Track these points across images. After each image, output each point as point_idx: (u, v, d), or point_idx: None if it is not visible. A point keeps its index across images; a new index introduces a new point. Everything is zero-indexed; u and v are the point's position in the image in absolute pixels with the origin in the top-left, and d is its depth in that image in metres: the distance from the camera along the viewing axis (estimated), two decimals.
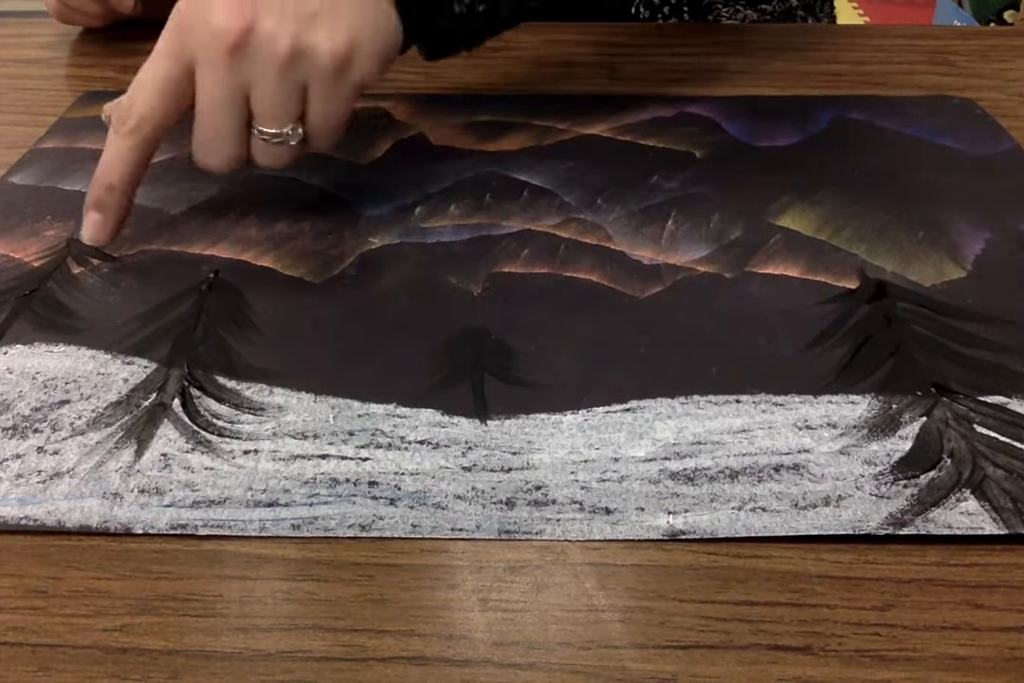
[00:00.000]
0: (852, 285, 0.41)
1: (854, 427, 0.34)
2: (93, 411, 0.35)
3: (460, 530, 0.31)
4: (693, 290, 0.41)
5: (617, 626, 0.28)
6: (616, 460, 0.33)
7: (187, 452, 0.33)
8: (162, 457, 0.33)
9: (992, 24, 2.06)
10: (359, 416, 0.35)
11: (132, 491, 0.32)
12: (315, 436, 0.34)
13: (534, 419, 0.35)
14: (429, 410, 0.35)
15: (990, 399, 0.35)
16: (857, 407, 0.35)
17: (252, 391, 0.36)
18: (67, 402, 0.35)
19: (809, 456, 0.33)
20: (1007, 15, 2.09)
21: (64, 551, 0.30)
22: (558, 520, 0.31)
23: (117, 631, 0.28)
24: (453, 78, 0.58)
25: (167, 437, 0.34)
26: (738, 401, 0.35)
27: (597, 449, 0.34)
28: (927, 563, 0.30)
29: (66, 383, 0.36)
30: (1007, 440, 0.33)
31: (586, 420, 0.35)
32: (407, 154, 0.50)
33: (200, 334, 0.38)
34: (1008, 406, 0.35)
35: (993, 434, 0.34)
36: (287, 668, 0.27)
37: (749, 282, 0.41)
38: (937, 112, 0.54)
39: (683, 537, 0.30)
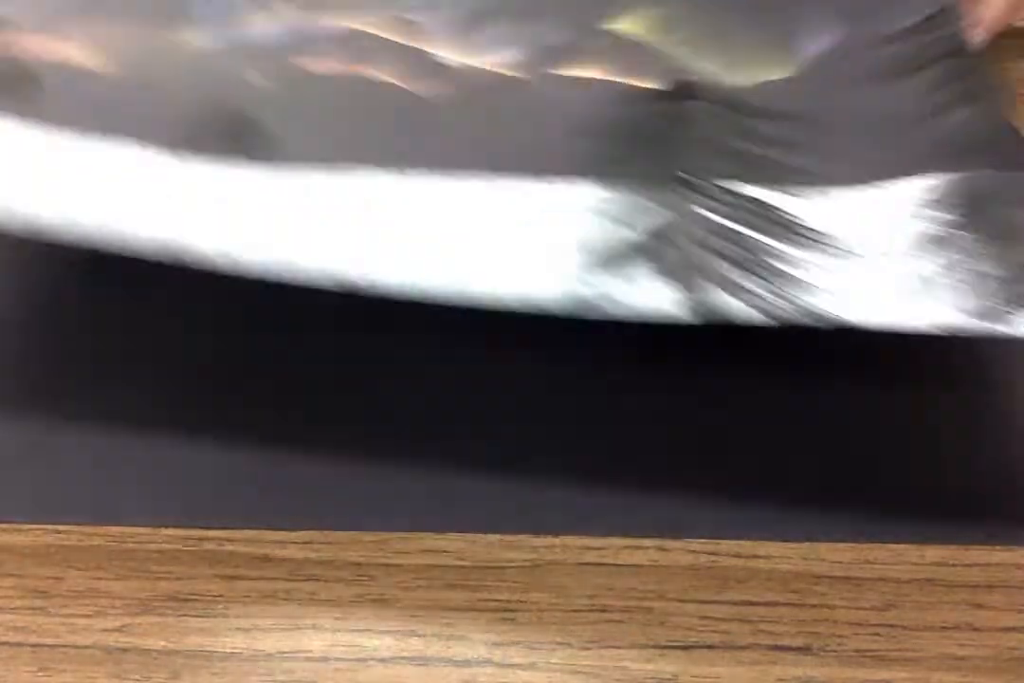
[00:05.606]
0: (658, 86, 0.38)
1: None
2: None
3: None
4: (484, 93, 0.38)
5: (617, 626, 0.28)
6: None
7: None
8: None
9: None
10: None
11: None
12: None
13: None
14: None
15: (732, 186, 0.32)
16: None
17: None
18: None
19: None
20: None
21: (64, 551, 0.30)
22: None
23: (117, 631, 0.28)
24: None
25: None
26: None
27: None
28: (927, 563, 0.30)
29: None
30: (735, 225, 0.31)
31: None
32: None
33: None
34: (744, 192, 0.32)
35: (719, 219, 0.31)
36: (287, 668, 0.27)
37: (545, 83, 0.38)
38: None
39: None
